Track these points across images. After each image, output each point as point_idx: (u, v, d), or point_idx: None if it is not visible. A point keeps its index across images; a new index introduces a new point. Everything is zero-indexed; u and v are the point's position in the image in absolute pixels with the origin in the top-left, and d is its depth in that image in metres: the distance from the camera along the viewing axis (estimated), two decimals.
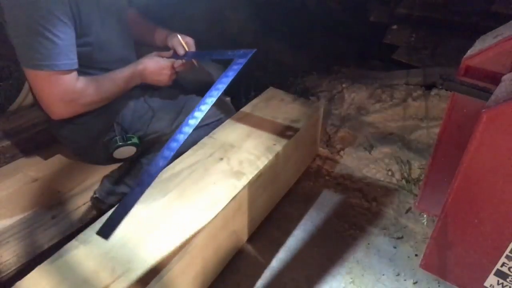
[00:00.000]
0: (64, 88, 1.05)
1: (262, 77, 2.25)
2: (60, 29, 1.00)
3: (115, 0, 1.22)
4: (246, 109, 1.52)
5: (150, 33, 1.41)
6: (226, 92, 1.72)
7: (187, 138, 1.37)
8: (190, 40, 1.34)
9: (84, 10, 1.06)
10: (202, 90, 1.43)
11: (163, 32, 1.39)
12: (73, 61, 1.06)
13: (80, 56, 1.09)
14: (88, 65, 1.15)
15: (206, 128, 1.40)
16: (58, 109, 1.09)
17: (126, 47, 1.30)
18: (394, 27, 2.34)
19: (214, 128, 1.40)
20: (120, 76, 1.19)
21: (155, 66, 1.25)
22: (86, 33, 1.10)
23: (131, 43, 1.34)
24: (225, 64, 1.70)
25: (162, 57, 1.29)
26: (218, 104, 1.44)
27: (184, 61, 1.31)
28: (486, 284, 0.88)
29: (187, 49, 1.32)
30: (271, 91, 1.64)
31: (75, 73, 1.08)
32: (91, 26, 1.10)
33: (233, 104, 1.58)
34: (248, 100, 1.62)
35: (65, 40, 1.01)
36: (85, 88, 1.10)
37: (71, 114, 1.13)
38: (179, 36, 1.33)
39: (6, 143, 1.35)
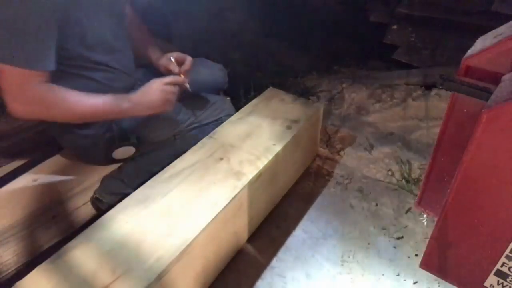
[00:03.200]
0: (24, 86, 0.99)
1: (262, 77, 2.25)
2: (42, 31, 0.96)
3: (109, 1, 1.15)
4: (246, 109, 1.52)
5: (144, 46, 1.39)
6: (226, 92, 1.73)
7: (187, 138, 1.38)
8: (179, 56, 1.33)
9: (69, 14, 1.01)
10: (201, 90, 1.44)
11: (156, 51, 1.38)
12: (45, 63, 1.00)
13: (71, 56, 1.07)
14: (81, 65, 1.12)
15: (206, 128, 1.40)
16: (12, 106, 1.02)
17: (120, 39, 1.24)
18: (394, 27, 2.34)
19: (214, 128, 1.40)
20: (98, 99, 1.10)
21: (158, 96, 1.18)
22: (69, 36, 1.05)
23: (125, 35, 1.29)
24: (225, 64, 1.71)
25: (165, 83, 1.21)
26: (218, 104, 1.45)
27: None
28: (486, 284, 0.88)
29: (177, 67, 1.32)
30: (271, 91, 1.64)
31: (43, 76, 1.02)
32: (74, 27, 1.05)
33: (233, 104, 1.58)
34: (248, 100, 1.62)
35: (43, 42, 0.98)
36: (46, 95, 1.03)
37: (27, 116, 1.07)
38: (170, 57, 1.33)
39: (6, 143, 1.34)
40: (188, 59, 1.33)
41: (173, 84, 1.22)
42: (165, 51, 1.37)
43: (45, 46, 0.99)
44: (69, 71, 1.10)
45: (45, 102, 1.04)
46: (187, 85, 1.28)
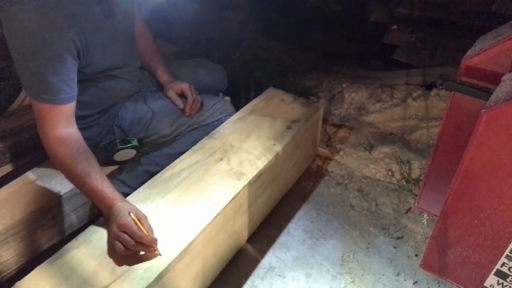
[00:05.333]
0: (44, 122, 1.01)
1: (262, 77, 2.25)
2: (61, 67, 0.98)
3: (122, 26, 1.18)
4: (246, 109, 1.52)
5: (153, 67, 1.42)
6: (226, 92, 1.73)
7: (187, 138, 1.38)
8: (185, 88, 1.36)
9: (87, 46, 1.04)
10: (201, 90, 1.44)
11: (164, 75, 1.41)
12: (69, 95, 1.02)
13: (85, 76, 1.11)
14: (90, 78, 1.16)
15: (206, 128, 1.40)
16: (41, 138, 1.05)
17: (131, 55, 1.28)
18: (394, 27, 2.33)
19: (214, 128, 1.40)
20: (96, 186, 1.00)
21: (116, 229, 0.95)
22: (87, 65, 1.08)
23: (135, 50, 1.32)
24: (225, 65, 1.71)
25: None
26: (218, 105, 1.45)
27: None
28: (486, 284, 0.88)
29: (182, 103, 1.34)
30: (271, 91, 1.64)
31: (63, 110, 1.02)
32: (93, 57, 1.08)
33: (233, 104, 1.58)
34: (248, 100, 1.62)
35: (62, 75, 0.99)
36: (58, 149, 1.02)
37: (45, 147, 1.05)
38: (174, 91, 1.35)
39: (6, 143, 1.34)
40: (192, 98, 1.34)
41: (134, 233, 0.93)
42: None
43: (60, 80, 0.99)
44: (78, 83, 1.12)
45: (52, 151, 1.03)
46: (157, 252, 0.96)
